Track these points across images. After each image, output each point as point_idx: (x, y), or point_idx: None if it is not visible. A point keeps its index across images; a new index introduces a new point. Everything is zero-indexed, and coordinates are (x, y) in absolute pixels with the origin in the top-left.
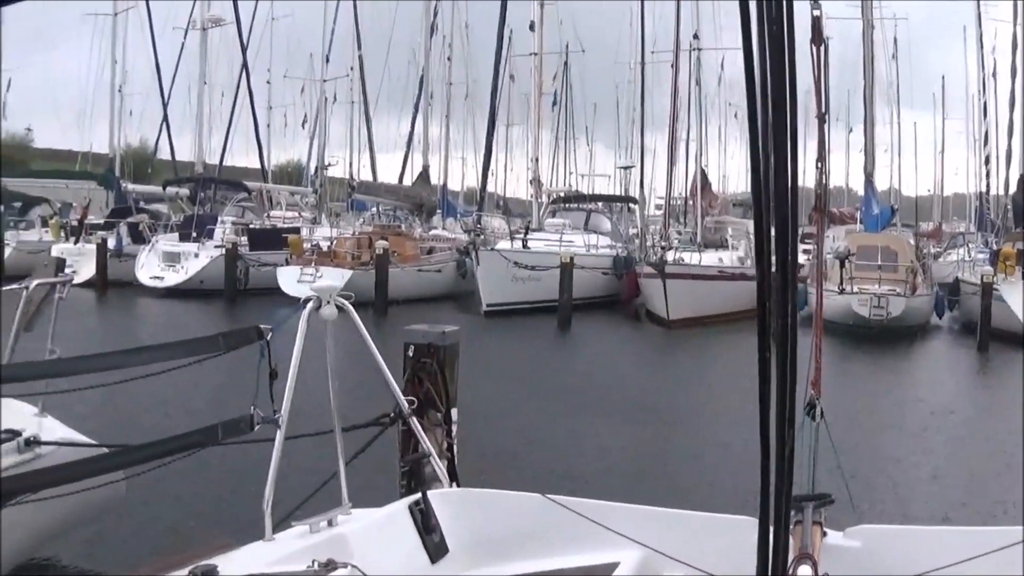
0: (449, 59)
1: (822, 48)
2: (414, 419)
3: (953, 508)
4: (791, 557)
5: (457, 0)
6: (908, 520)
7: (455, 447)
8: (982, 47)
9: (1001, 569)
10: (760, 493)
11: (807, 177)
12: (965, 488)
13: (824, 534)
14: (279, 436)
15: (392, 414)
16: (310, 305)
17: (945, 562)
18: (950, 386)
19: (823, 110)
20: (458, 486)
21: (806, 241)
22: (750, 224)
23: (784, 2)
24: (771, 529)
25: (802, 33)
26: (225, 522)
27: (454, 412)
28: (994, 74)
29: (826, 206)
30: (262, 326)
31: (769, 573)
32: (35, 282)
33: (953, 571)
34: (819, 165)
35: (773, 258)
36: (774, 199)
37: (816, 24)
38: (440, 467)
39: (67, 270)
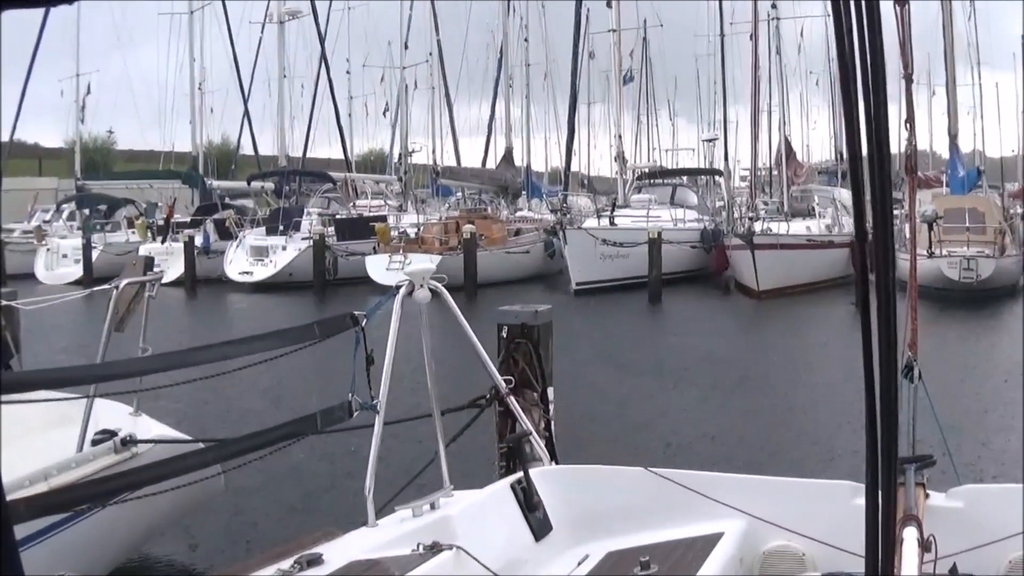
0: (527, 40)
1: (907, 7)
2: (512, 398)
3: None
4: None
5: None
6: (1011, 480)
7: (553, 425)
8: None
9: None
10: (867, 456)
11: (898, 140)
12: None
13: (927, 495)
14: (378, 422)
15: (488, 395)
16: (403, 290)
17: None
18: None
19: (909, 70)
20: (557, 464)
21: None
22: (836, 191)
23: None
24: (879, 492)
25: None
26: (330, 510)
27: (550, 391)
28: None
29: (916, 168)
30: (356, 313)
31: (880, 536)
32: (124, 281)
33: None
34: (908, 126)
35: (870, 222)
36: (869, 161)
37: None
38: (540, 445)
39: (156, 269)
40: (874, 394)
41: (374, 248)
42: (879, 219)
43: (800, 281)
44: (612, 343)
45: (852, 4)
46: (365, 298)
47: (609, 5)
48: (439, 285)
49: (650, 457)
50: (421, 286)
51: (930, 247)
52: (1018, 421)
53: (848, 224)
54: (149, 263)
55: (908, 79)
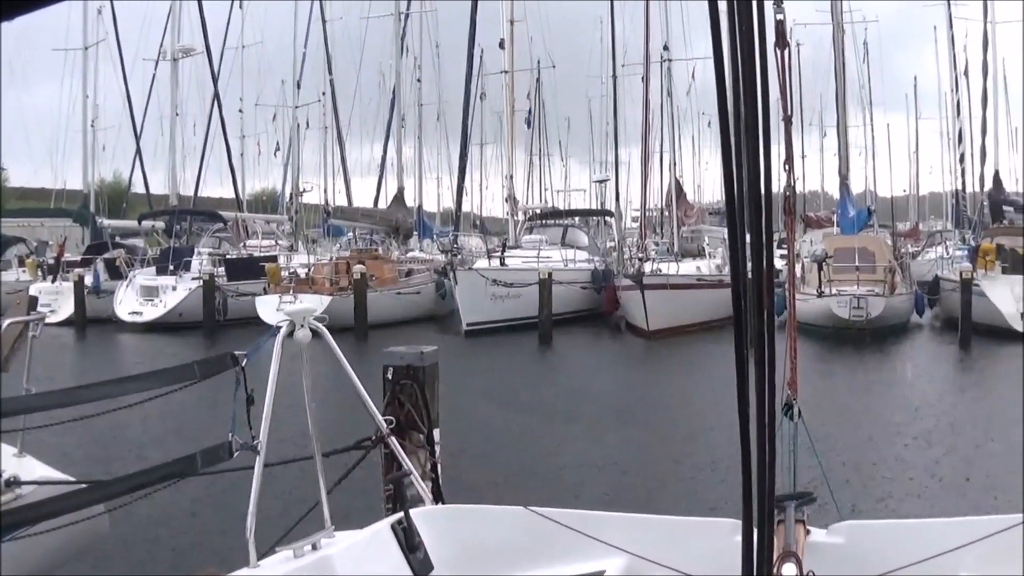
0: (419, 80)
1: (787, 51)
2: (393, 439)
3: (937, 501)
4: (775, 556)
5: (426, 14)
6: (891, 515)
7: (439, 467)
8: (953, 46)
9: (986, 558)
10: (743, 494)
11: (778, 181)
12: (949, 482)
13: (807, 532)
14: (258, 463)
15: (373, 437)
16: (284, 330)
17: (929, 553)
18: (933, 382)
19: (789, 112)
20: (444, 504)
21: (782, 246)
22: (726, 232)
23: (753, 4)
24: (754, 529)
25: (767, 37)
26: (213, 551)
27: (436, 432)
28: (966, 72)
29: (795, 209)
30: (237, 352)
31: (754, 573)
32: (7, 321)
33: (938, 562)
34: (787, 167)
35: (749, 261)
36: (747, 202)
37: (780, 28)
38: (422, 485)
39: (44, 308)
40: (748, 433)
41: (264, 288)
42: (755, 260)
43: (690, 321)
44: (502, 383)
45: (725, 47)
46: (254, 339)
47: (502, 46)
48: (320, 325)
49: (538, 496)
50: (302, 326)
51: (820, 286)
52: (911, 457)
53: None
54: (33, 302)
55: (788, 121)
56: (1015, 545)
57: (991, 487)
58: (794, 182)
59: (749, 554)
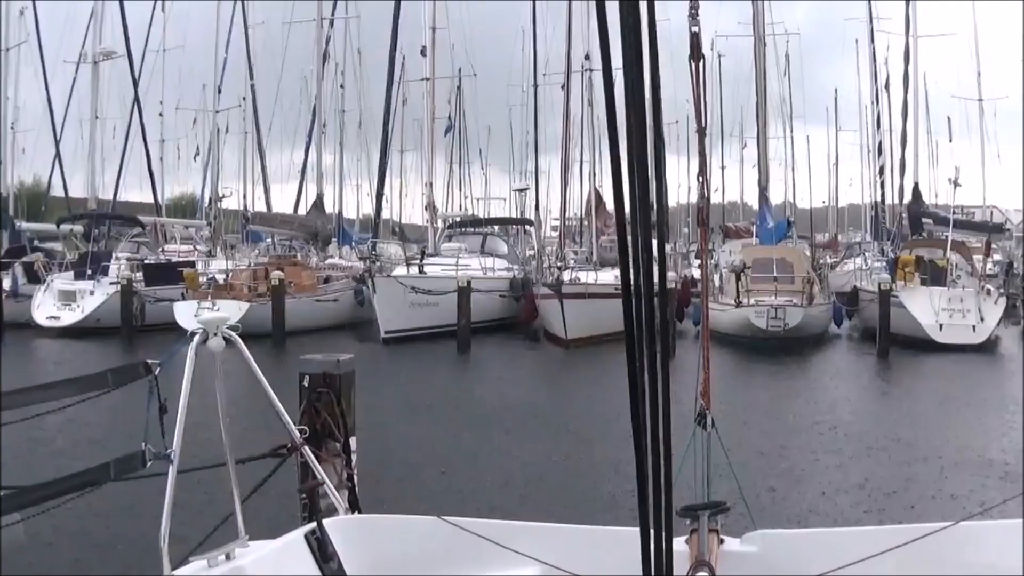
0: (342, 87)
1: (701, 63)
2: (307, 448)
3: (852, 510)
4: (688, 565)
5: (348, 20)
6: (806, 524)
7: (355, 476)
8: (874, 59)
9: (900, 566)
10: (638, 504)
11: (692, 192)
12: (866, 492)
13: (721, 541)
14: (172, 471)
15: (288, 446)
16: (197, 338)
17: (843, 562)
18: (851, 392)
19: (703, 125)
20: (361, 514)
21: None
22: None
23: (642, 13)
24: (651, 538)
25: (682, 49)
26: (128, 561)
27: (353, 441)
28: (886, 86)
29: (708, 220)
30: (150, 361)
31: None
32: None
33: (851, 571)
34: (700, 179)
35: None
36: (639, 211)
37: (695, 40)
38: (336, 495)
39: None
40: (642, 443)
41: (182, 294)
42: (646, 272)
43: (609, 330)
44: (420, 392)
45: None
46: (171, 345)
47: (423, 54)
48: (233, 334)
49: (455, 505)
50: (215, 334)
51: (738, 296)
52: (829, 466)
53: None
54: None
55: (701, 133)
56: (929, 554)
57: (907, 497)
58: (708, 194)
59: (648, 563)
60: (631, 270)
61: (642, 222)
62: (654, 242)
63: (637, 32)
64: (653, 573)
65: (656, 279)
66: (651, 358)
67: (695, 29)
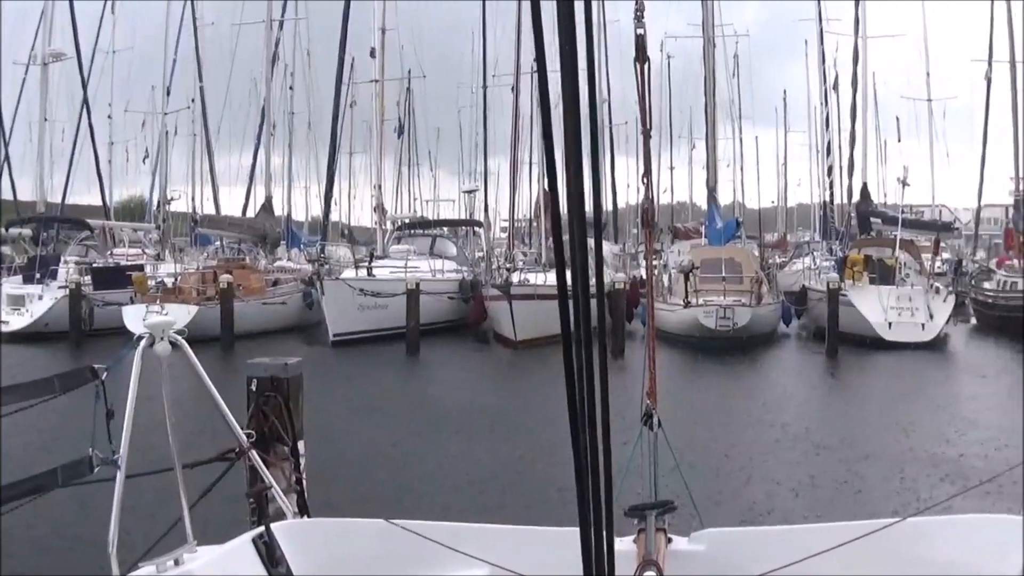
0: (291, 88)
1: (647, 65)
2: (254, 452)
3: (800, 507)
4: (636, 565)
5: (298, 22)
6: (754, 522)
7: (304, 480)
8: (824, 60)
9: (847, 563)
10: (578, 503)
11: (644, 193)
12: (813, 489)
13: (669, 540)
14: (119, 477)
15: (236, 450)
16: (143, 342)
17: (791, 559)
18: (800, 391)
19: (648, 126)
20: (309, 518)
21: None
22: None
23: (577, 13)
24: (592, 537)
25: (628, 51)
26: (75, 567)
27: (301, 445)
28: (835, 86)
29: (653, 221)
30: (96, 366)
31: None
32: None
33: (799, 568)
34: (645, 181)
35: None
36: (575, 211)
37: (640, 42)
38: (284, 499)
39: None
40: (579, 444)
41: (131, 298)
42: (582, 272)
43: (558, 331)
44: (369, 395)
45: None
46: (119, 350)
47: (373, 55)
48: (180, 338)
49: (405, 508)
50: (161, 338)
51: (686, 297)
52: (765, 465)
53: (606, 275)
54: None
55: (646, 135)
56: (877, 550)
57: (855, 494)
58: (652, 195)
59: (588, 563)
60: (576, 270)
61: (577, 223)
62: (591, 242)
63: (572, 32)
64: (595, 572)
65: (593, 279)
66: (587, 358)
67: (640, 31)
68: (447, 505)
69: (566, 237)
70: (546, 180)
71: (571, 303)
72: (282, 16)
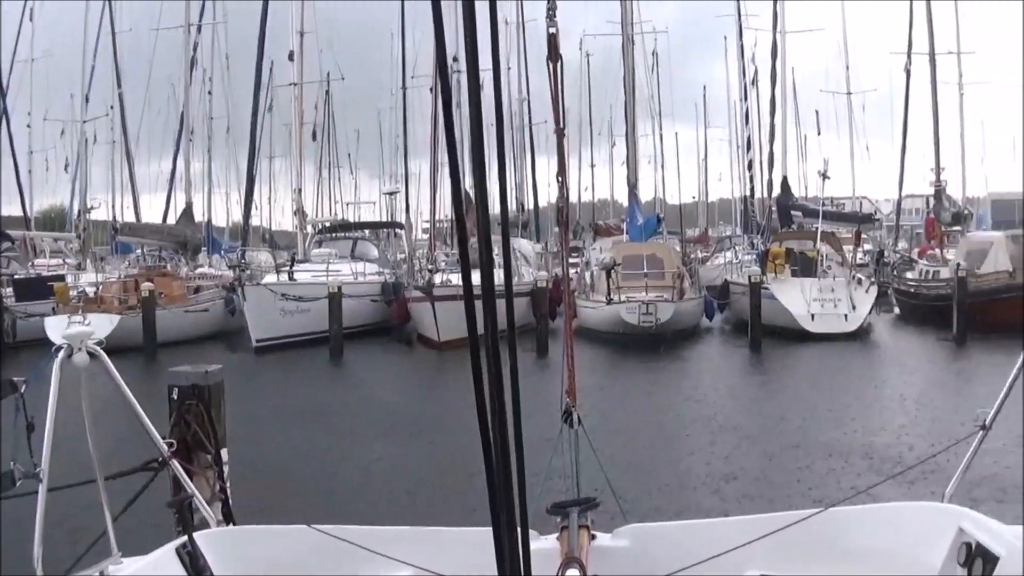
0: (210, 93)
1: (559, 64)
2: (175, 462)
3: (723, 500)
4: (559, 562)
5: (216, 26)
6: (677, 517)
7: (228, 487)
8: (742, 56)
9: (771, 554)
10: (490, 503)
11: (552, 191)
12: (737, 481)
13: (592, 537)
14: (41, 490)
15: (159, 460)
16: (61, 354)
17: (714, 552)
18: (724, 384)
19: (561, 125)
20: (235, 525)
21: (572, 255)
22: (515, 242)
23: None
24: (504, 536)
25: (540, 50)
26: None
27: (224, 453)
28: (754, 82)
29: (568, 219)
30: (15, 379)
31: None
32: None
33: (723, 560)
34: (559, 179)
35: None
36: (479, 211)
37: (551, 41)
38: (206, 507)
39: None
40: (489, 442)
41: (53, 309)
42: (486, 271)
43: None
44: (293, 400)
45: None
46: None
47: (291, 58)
48: (98, 348)
49: (330, 512)
50: (80, 349)
51: (609, 294)
52: (690, 459)
53: (527, 274)
54: None
55: (559, 134)
56: (799, 540)
57: (779, 485)
58: (567, 193)
59: (502, 562)
60: (484, 269)
61: (481, 221)
62: (496, 240)
63: (474, 32)
64: (508, 571)
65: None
66: (495, 357)
67: (552, 30)
68: (372, 508)
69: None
70: (450, 181)
71: (479, 303)
72: (200, 20)
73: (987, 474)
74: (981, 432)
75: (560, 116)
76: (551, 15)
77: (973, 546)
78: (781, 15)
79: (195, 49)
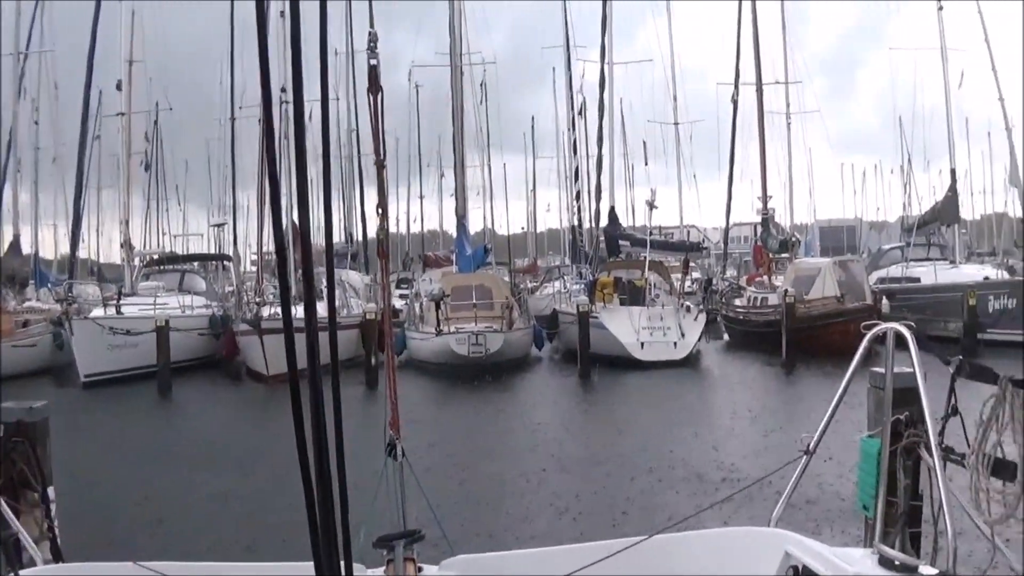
0: (36, 123)
1: (380, 96)
2: (1, 500)
3: (554, 529)
4: None
5: (44, 54)
6: (507, 547)
7: (56, 526)
8: (571, 87)
9: None
10: (310, 536)
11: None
12: (568, 511)
13: (419, 569)
14: None
15: None
16: None
17: None
18: (553, 413)
19: (382, 156)
20: (64, 563)
21: (401, 286)
22: (344, 273)
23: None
24: (323, 570)
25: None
26: None
27: (51, 490)
28: (582, 112)
29: (388, 252)
30: None
31: None
32: None
33: None
34: (380, 211)
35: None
36: (302, 242)
37: (372, 73)
38: (32, 545)
39: None
40: (311, 481)
41: None
42: (307, 303)
43: None
44: (122, 436)
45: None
46: None
47: (119, 88)
48: None
49: (159, 548)
50: None
51: (438, 325)
52: (518, 488)
53: (356, 306)
54: None
55: (380, 166)
56: (627, 567)
57: (608, 513)
58: (387, 225)
59: None
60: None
61: (305, 253)
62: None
63: (297, 63)
64: None
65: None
66: (317, 390)
67: (373, 62)
68: (199, 544)
69: (319, 269)
70: (270, 212)
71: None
72: (26, 49)
73: (811, 497)
74: (805, 457)
75: (380, 147)
76: (372, 47)
77: (800, 569)
78: (609, 47)
79: (23, 77)
